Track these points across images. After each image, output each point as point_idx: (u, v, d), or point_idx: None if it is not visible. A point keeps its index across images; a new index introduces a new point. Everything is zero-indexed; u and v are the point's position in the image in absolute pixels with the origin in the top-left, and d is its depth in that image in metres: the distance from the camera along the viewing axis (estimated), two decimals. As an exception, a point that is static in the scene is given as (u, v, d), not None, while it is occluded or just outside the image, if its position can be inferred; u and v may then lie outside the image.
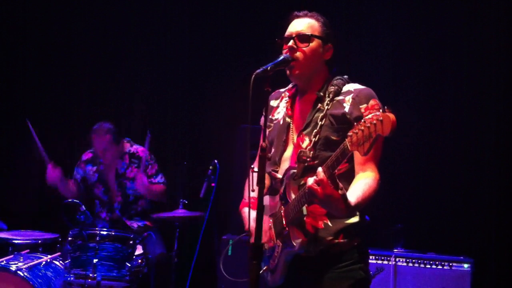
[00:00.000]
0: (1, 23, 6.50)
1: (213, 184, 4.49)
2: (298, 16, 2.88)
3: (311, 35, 2.81)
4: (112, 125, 5.27)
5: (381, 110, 2.21)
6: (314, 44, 2.81)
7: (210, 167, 4.52)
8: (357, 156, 2.65)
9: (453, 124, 5.38)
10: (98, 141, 5.23)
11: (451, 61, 5.42)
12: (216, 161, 4.52)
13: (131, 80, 6.35)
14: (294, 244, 2.69)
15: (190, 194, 5.07)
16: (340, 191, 2.42)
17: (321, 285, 2.75)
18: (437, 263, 4.71)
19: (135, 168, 5.26)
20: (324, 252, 2.73)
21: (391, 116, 2.17)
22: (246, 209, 2.96)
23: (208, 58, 6.12)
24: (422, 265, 4.73)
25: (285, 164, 2.88)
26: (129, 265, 4.34)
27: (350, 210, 2.50)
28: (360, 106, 2.72)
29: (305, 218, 2.73)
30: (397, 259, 4.77)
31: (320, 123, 2.77)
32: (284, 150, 2.92)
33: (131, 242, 4.39)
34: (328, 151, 2.68)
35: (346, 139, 2.34)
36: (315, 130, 2.77)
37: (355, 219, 2.75)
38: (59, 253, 4.70)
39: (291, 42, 2.81)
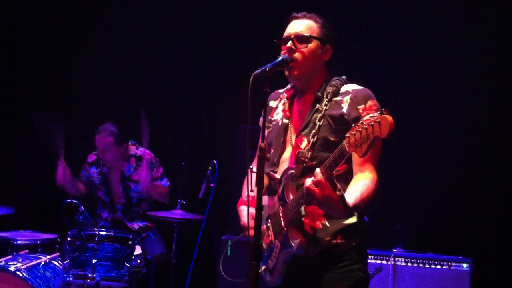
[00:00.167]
0: (2, 21, 6.50)
1: (212, 185, 4.49)
2: (296, 17, 2.88)
3: (310, 36, 2.81)
4: (116, 128, 5.27)
5: (378, 112, 2.21)
6: (312, 45, 2.81)
7: (209, 168, 4.51)
8: (355, 157, 2.66)
9: (452, 123, 5.38)
10: (99, 141, 5.24)
11: (451, 61, 5.42)
12: (215, 161, 4.52)
13: (131, 80, 6.35)
14: (293, 244, 2.69)
15: (189, 194, 5.07)
16: (338, 192, 2.42)
17: (319, 286, 2.76)
18: (436, 263, 4.71)
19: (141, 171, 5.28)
20: (323, 253, 2.74)
21: (389, 118, 2.17)
22: (243, 207, 2.97)
23: (208, 58, 6.12)
24: (421, 265, 4.73)
25: (283, 165, 2.88)
26: (128, 265, 4.35)
27: (348, 211, 2.50)
28: (358, 107, 2.72)
29: (303, 219, 2.73)
30: (396, 259, 4.77)
31: (318, 124, 2.77)
32: (283, 151, 2.92)
33: (130, 242, 4.40)
34: (326, 152, 2.68)
35: (344, 141, 2.34)
36: (314, 131, 2.77)
37: (353, 220, 2.74)
38: (58, 254, 4.71)
39: (289, 43, 2.80)
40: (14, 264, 4.37)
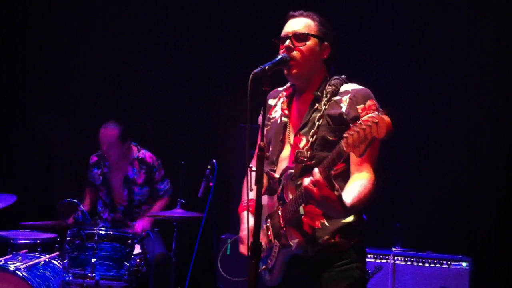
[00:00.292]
0: (2, 21, 6.50)
1: (211, 184, 4.48)
2: (294, 16, 2.88)
3: (308, 34, 2.81)
4: (121, 125, 5.27)
5: (376, 112, 2.21)
6: (310, 43, 2.81)
7: (208, 167, 4.51)
8: (353, 157, 2.65)
9: (452, 123, 5.38)
10: (104, 134, 5.20)
11: (451, 61, 5.42)
12: (214, 160, 4.51)
13: (130, 80, 6.35)
14: (291, 244, 2.69)
15: (189, 194, 5.07)
16: (336, 192, 2.42)
17: (319, 285, 2.76)
18: (435, 261, 4.71)
19: (144, 174, 5.29)
20: (322, 252, 2.74)
21: (387, 119, 2.17)
22: (245, 213, 2.96)
23: (208, 58, 6.12)
24: (420, 264, 4.73)
25: (282, 164, 2.88)
26: (128, 264, 4.35)
27: (346, 211, 2.50)
28: (357, 107, 2.72)
29: (302, 218, 2.73)
30: (395, 258, 4.77)
31: (317, 123, 2.76)
32: (281, 149, 2.92)
33: (129, 241, 4.40)
34: (325, 151, 2.67)
35: (342, 141, 2.33)
36: (312, 130, 2.77)
37: (352, 219, 2.74)
38: (57, 253, 4.71)
39: (287, 42, 2.80)
40: (13, 264, 4.37)
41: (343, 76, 2.89)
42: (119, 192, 5.32)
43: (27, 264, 4.39)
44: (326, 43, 2.85)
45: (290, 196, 2.71)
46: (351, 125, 2.30)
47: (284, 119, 2.94)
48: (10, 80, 6.53)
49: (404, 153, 5.35)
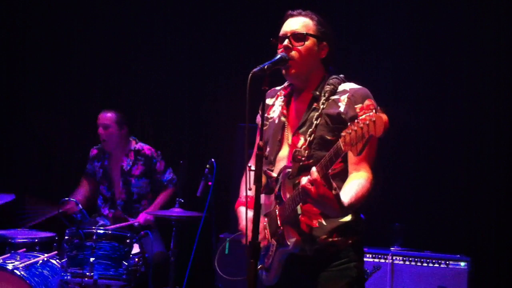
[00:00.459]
0: (2, 21, 6.51)
1: (210, 183, 4.48)
2: (292, 15, 2.87)
3: (306, 33, 2.80)
4: (119, 112, 5.38)
5: (374, 111, 2.21)
6: (309, 42, 2.81)
7: (207, 166, 4.51)
8: (351, 156, 2.65)
9: (452, 123, 5.37)
10: (102, 117, 5.31)
11: (451, 61, 5.41)
12: (213, 160, 4.51)
13: (130, 80, 6.35)
14: (288, 243, 2.69)
15: (189, 193, 5.07)
16: (333, 191, 2.42)
17: (316, 284, 2.76)
18: (434, 261, 4.70)
19: (141, 165, 5.28)
20: (319, 251, 2.73)
21: (384, 116, 2.17)
22: (242, 208, 2.96)
23: (208, 58, 6.12)
24: (419, 264, 4.72)
25: (280, 163, 2.87)
26: (126, 263, 4.34)
27: (344, 210, 2.50)
28: (356, 106, 2.72)
29: (299, 217, 2.72)
30: (394, 258, 4.76)
31: (315, 122, 2.76)
32: (280, 149, 2.91)
33: (128, 241, 4.39)
34: (323, 150, 2.66)
35: (339, 139, 2.33)
36: (310, 130, 2.76)
37: (349, 218, 2.74)
38: (56, 252, 4.70)
39: (286, 41, 2.80)
40: (12, 263, 4.37)
41: (341, 75, 2.89)
42: (118, 184, 5.33)
43: (26, 263, 4.38)
44: (324, 43, 2.85)
45: (288, 195, 2.71)
46: (349, 124, 2.30)
47: (282, 118, 2.94)
48: (10, 80, 6.54)
49: (403, 152, 5.35)
